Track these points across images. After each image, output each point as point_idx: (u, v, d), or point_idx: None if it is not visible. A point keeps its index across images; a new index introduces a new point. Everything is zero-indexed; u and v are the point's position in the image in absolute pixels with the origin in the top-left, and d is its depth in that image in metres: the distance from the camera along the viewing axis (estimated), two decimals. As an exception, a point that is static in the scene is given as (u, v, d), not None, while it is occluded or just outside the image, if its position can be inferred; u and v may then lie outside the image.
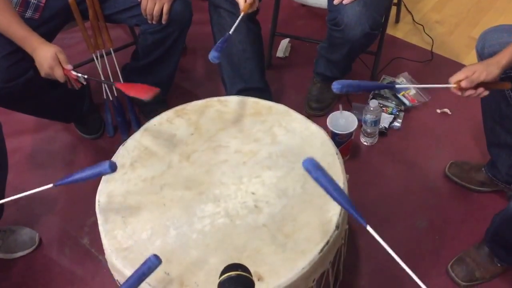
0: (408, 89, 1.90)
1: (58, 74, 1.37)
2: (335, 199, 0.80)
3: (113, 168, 0.93)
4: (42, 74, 1.39)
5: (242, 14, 1.40)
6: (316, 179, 0.80)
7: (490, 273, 1.43)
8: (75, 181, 0.95)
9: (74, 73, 1.37)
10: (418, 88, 1.39)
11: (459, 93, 1.22)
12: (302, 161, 0.81)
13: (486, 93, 1.22)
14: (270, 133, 1.23)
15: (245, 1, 1.43)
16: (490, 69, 1.19)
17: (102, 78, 1.75)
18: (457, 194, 1.68)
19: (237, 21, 1.36)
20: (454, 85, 1.21)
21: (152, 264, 0.79)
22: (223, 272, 0.72)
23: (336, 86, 1.09)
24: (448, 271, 1.46)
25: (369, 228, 0.77)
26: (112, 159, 1.20)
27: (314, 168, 0.80)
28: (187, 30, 1.68)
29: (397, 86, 1.30)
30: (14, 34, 1.38)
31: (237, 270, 0.72)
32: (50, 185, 0.98)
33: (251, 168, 1.15)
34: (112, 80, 1.78)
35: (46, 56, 1.35)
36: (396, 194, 1.70)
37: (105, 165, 0.92)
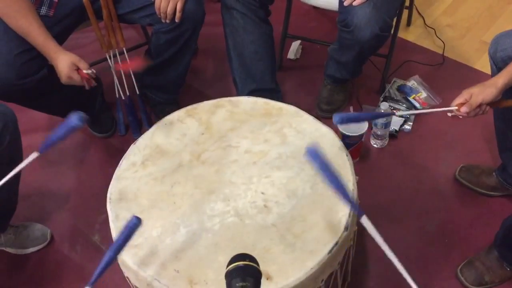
0: (407, 116, 1.89)
1: (77, 80, 1.43)
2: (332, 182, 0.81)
3: (82, 120, 0.98)
4: (63, 83, 1.45)
5: None
6: (319, 166, 0.82)
7: (500, 277, 1.43)
8: (55, 142, 1.01)
9: (84, 71, 1.41)
10: (417, 113, 1.36)
11: (465, 115, 1.22)
12: (306, 147, 0.83)
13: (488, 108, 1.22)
14: (280, 134, 1.24)
15: None
16: (488, 91, 1.19)
17: (115, 77, 1.77)
18: (467, 198, 1.67)
19: None
20: (455, 107, 1.22)
21: (133, 225, 0.83)
22: (230, 262, 0.72)
23: (335, 119, 1.09)
24: (457, 274, 1.45)
25: (364, 219, 0.77)
26: (123, 157, 1.22)
27: (316, 157, 0.82)
28: (199, 29, 1.68)
29: (397, 113, 1.26)
30: (33, 40, 1.42)
31: (244, 260, 0.72)
32: (36, 154, 1.03)
33: (261, 168, 1.16)
34: (123, 78, 1.80)
35: (63, 67, 1.40)
36: (406, 197, 1.69)
37: (74, 118, 0.98)
